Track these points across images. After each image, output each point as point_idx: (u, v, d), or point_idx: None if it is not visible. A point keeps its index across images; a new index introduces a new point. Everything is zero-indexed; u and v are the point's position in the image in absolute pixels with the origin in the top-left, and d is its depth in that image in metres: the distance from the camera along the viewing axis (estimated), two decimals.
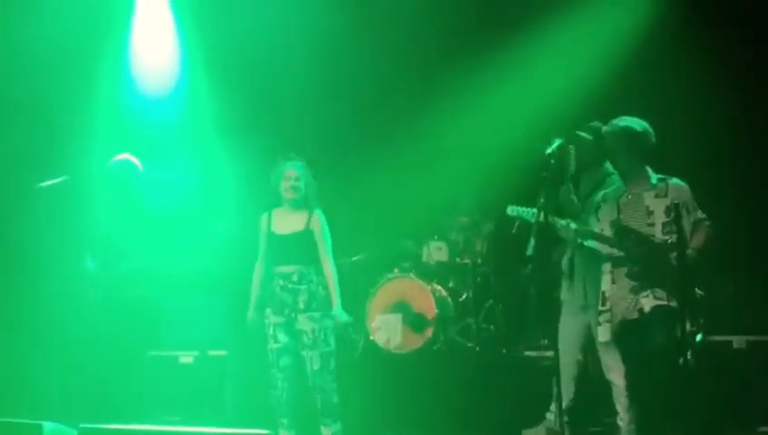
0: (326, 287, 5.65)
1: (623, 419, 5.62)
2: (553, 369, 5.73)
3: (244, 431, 4.60)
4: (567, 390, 5.74)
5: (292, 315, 5.62)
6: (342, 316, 5.68)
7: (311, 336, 5.58)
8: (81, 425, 4.74)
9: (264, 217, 5.76)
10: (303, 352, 5.61)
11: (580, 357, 5.82)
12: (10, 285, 6.95)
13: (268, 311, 5.69)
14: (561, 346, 5.67)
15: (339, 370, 5.76)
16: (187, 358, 6.60)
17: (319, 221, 5.66)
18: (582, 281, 5.69)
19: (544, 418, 5.92)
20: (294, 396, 5.64)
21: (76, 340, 6.71)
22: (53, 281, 6.84)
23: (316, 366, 5.58)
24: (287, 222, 5.69)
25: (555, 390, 5.75)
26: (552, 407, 5.85)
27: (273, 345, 5.65)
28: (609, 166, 5.65)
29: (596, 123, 5.60)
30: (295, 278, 5.61)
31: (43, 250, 6.95)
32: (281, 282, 5.64)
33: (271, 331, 5.65)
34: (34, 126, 7.32)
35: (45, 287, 6.85)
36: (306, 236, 5.63)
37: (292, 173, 5.64)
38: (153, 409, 6.30)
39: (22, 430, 4.79)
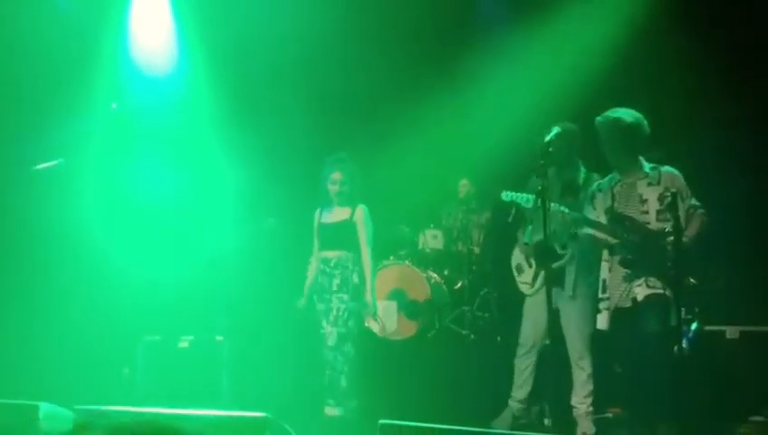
0: (360, 276, 6.06)
1: (583, 403, 5.71)
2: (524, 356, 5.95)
3: (241, 414, 4.61)
4: (530, 376, 5.97)
5: (327, 297, 6.05)
6: (374, 305, 6.12)
7: (334, 314, 6.00)
8: (77, 406, 4.75)
9: (317, 211, 6.25)
10: (325, 327, 6.00)
11: (547, 343, 5.97)
12: (6, 271, 6.94)
13: (315, 298, 6.12)
14: (533, 332, 5.86)
15: None
16: (183, 343, 6.62)
17: (362, 213, 6.12)
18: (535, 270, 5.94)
19: (507, 405, 6.04)
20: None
21: (73, 324, 6.74)
22: (48, 265, 6.85)
23: (331, 343, 5.99)
24: (334, 213, 6.18)
25: (524, 375, 5.90)
26: (517, 394, 5.96)
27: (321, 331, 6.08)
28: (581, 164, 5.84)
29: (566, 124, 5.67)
30: (332, 264, 6.08)
31: (38, 234, 6.95)
32: (321, 266, 6.14)
33: (319, 317, 6.08)
34: (29, 110, 7.29)
35: (40, 271, 6.85)
36: (348, 226, 6.09)
37: (337, 176, 6.10)
38: (149, 392, 6.32)
39: (18, 411, 4.80)
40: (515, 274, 6.22)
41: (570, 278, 5.82)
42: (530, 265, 6.09)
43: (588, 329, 5.69)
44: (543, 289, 5.85)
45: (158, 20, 7.88)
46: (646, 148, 5.35)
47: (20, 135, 7.06)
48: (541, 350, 5.97)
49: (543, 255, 5.73)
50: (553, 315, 5.80)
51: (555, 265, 5.82)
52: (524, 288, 6.13)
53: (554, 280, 5.79)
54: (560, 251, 5.85)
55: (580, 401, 5.76)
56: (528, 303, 6.07)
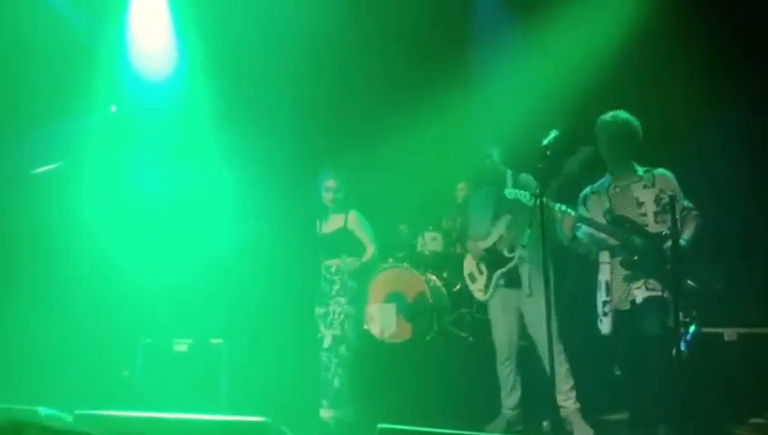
0: (358, 280, 6.23)
1: (569, 398, 5.71)
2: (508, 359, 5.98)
3: (239, 418, 4.61)
4: (517, 381, 5.96)
5: (327, 302, 6.19)
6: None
7: (331, 317, 6.15)
8: (77, 411, 4.74)
9: (318, 222, 6.41)
10: (323, 330, 6.16)
11: (522, 343, 6.01)
12: (5, 274, 6.95)
13: (315, 304, 6.27)
14: (505, 336, 5.86)
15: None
16: (181, 346, 6.63)
17: (355, 217, 6.28)
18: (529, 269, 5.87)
19: (500, 413, 6.03)
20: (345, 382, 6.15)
21: (72, 327, 6.74)
22: (47, 269, 6.85)
23: (326, 344, 6.16)
24: (330, 223, 6.36)
25: (510, 381, 5.89)
26: (508, 401, 5.97)
27: (318, 335, 6.25)
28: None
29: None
30: (333, 270, 6.24)
31: (37, 238, 6.96)
32: (323, 274, 6.30)
33: (317, 321, 6.24)
34: (28, 113, 7.30)
35: (39, 275, 6.86)
36: (344, 234, 6.24)
37: (331, 184, 6.24)
38: (147, 396, 6.32)
39: (16, 415, 4.79)
40: (468, 283, 6.32)
41: (525, 277, 5.89)
42: (480, 272, 6.16)
43: (555, 323, 5.66)
44: (498, 292, 5.99)
45: (156, 22, 7.88)
46: (640, 153, 5.38)
47: (19, 138, 7.06)
48: (518, 353, 5.98)
49: (495, 260, 5.98)
50: (521, 319, 5.92)
51: (504, 268, 5.95)
52: (479, 295, 6.23)
53: (511, 283, 5.94)
54: (507, 254, 5.97)
55: (565, 396, 5.72)
56: (491, 309, 6.11)
